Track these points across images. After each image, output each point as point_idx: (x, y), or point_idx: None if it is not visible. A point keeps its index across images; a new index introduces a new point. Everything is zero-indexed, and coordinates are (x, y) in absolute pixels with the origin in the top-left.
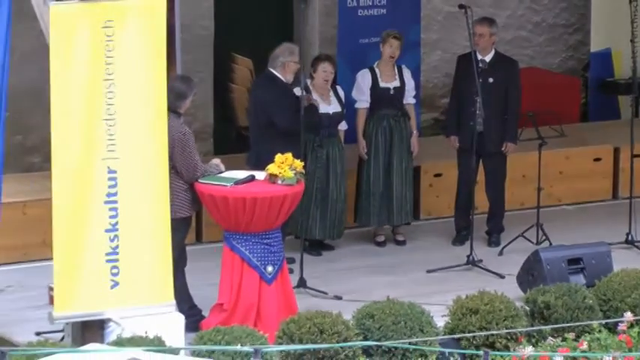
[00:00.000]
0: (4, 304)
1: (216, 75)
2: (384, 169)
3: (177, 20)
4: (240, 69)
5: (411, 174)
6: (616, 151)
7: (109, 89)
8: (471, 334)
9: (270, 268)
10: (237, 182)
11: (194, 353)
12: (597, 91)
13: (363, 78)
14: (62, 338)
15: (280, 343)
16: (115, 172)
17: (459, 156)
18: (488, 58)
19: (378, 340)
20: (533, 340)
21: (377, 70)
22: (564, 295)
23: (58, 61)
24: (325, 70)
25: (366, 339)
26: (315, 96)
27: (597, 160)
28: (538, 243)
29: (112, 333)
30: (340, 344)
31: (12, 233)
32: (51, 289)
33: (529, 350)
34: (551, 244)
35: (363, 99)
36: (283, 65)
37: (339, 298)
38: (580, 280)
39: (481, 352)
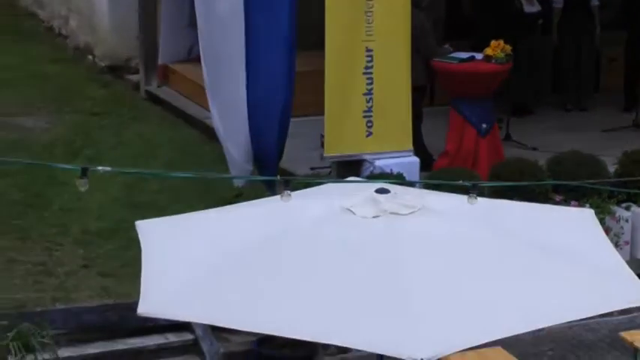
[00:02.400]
0: (289, 146)
1: None
2: (575, 54)
3: None
4: None
5: (594, 58)
6: None
7: None
8: (635, 179)
9: (484, 125)
10: (462, 60)
11: (426, 186)
12: None
13: None
14: (329, 172)
15: (491, 181)
16: (371, 50)
17: (628, 45)
18: None
19: (565, 180)
20: None
21: None
22: None
23: None
24: None
25: (555, 179)
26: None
27: None
28: None
29: (366, 170)
30: (536, 182)
31: (296, 95)
32: (322, 136)
33: None
34: None
35: (558, 1)
36: None
37: (535, 149)
38: None
39: None
